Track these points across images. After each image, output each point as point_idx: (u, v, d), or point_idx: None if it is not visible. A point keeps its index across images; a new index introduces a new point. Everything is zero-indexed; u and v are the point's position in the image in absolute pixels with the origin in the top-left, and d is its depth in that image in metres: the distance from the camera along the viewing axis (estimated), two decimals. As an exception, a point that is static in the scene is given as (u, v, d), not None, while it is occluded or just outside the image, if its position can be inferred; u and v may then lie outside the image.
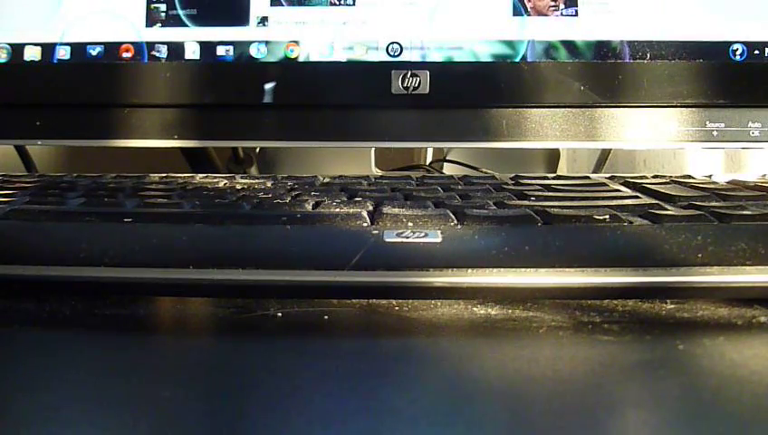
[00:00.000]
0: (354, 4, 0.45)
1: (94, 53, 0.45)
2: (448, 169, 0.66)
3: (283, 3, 0.45)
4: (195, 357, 0.22)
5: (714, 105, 0.44)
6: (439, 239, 0.25)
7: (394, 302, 0.26)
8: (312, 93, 0.45)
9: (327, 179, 0.39)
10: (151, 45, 0.45)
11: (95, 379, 0.19)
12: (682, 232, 0.25)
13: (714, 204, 0.29)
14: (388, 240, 0.25)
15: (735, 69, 0.44)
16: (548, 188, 0.34)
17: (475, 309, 0.25)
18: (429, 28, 0.45)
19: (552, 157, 0.67)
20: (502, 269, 0.24)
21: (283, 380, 0.19)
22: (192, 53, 0.45)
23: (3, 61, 0.46)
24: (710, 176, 0.39)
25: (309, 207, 0.29)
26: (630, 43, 0.44)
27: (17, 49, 0.46)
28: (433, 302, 0.26)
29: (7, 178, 0.39)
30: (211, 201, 0.31)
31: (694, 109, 0.44)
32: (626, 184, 0.37)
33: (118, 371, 0.20)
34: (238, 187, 0.36)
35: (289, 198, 0.31)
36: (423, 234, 0.25)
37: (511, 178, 0.39)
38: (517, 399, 0.18)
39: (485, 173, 0.57)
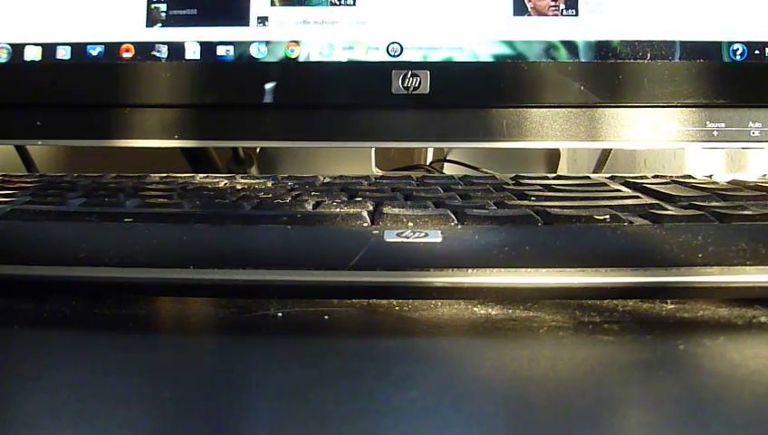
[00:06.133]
0: (354, 5, 0.45)
1: (94, 53, 0.45)
2: (448, 169, 0.66)
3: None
4: (195, 357, 0.22)
5: (714, 105, 0.44)
6: (440, 239, 0.25)
7: (394, 302, 0.26)
8: (313, 93, 0.45)
9: (327, 179, 0.39)
10: (151, 45, 0.45)
11: (95, 379, 0.19)
12: (682, 232, 0.25)
13: (714, 204, 0.29)
14: (388, 240, 0.25)
15: (735, 69, 0.44)
16: (548, 188, 0.34)
17: (475, 309, 0.25)
18: (429, 28, 0.45)
19: (553, 157, 0.67)
20: (502, 269, 0.24)
21: (283, 380, 0.19)
22: (192, 53, 0.45)
23: (3, 61, 0.46)
24: (710, 176, 0.39)
25: (309, 207, 0.29)
26: (630, 43, 0.44)
27: (17, 49, 0.46)
28: (433, 302, 0.26)
29: (7, 178, 0.39)
30: (211, 201, 0.31)
31: (694, 109, 0.44)
32: (626, 184, 0.37)
33: (118, 371, 0.20)
34: (238, 187, 0.36)
35: (289, 198, 0.31)
36: (423, 234, 0.25)
37: (511, 178, 0.39)
38: (517, 398, 0.18)
39: (486, 173, 0.57)
